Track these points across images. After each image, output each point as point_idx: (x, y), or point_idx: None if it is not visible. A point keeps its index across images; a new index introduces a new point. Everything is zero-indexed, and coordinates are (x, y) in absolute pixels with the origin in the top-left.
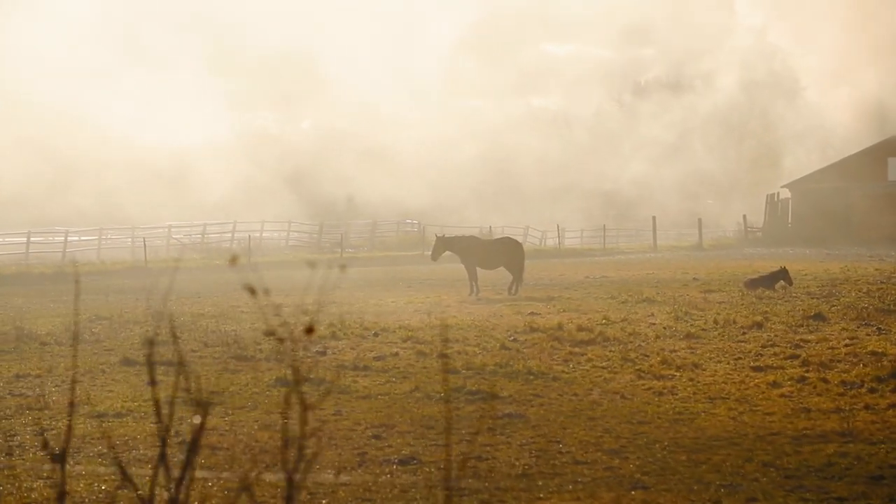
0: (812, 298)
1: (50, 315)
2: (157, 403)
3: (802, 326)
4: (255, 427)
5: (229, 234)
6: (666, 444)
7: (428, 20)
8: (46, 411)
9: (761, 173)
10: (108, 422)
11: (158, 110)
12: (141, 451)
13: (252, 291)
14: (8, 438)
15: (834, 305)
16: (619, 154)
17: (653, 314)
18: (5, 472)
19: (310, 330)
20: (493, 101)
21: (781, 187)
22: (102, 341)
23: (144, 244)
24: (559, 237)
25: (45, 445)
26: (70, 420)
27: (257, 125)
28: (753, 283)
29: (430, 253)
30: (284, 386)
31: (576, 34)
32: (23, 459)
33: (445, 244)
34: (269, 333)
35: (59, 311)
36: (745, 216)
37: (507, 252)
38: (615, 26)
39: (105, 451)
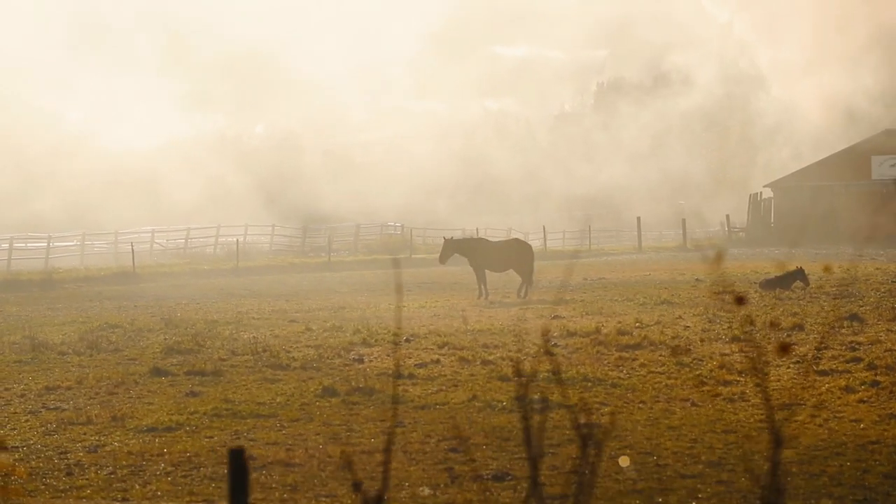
0: (834, 299)
1: (54, 323)
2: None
3: (844, 328)
4: (321, 440)
5: (212, 239)
6: (765, 454)
7: (390, 22)
8: (91, 426)
9: (734, 173)
10: (161, 437)
11: (119, 113)
12: (210, 469)
13: (740, 300)
14: (62, 456)
15: (862, 306)
16: (594, 155)
17: (681, 317)
18: None
19: (785, 348)
20: (461, 103)
21: (764, 186)
22: (122, 350)
23: (132, 249)
24: (545, 239)
25: (357, 488)
26: (386, 469)
27: (218, 127)
28: (769, 284)
29: (420, 255)
30: (333, 396)
31: (544, 35)
32: (87, 479)
33: (454, 246)
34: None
35: (61, 318)
36: (728, 216)
37: (517, 254)
38: (579, 27)
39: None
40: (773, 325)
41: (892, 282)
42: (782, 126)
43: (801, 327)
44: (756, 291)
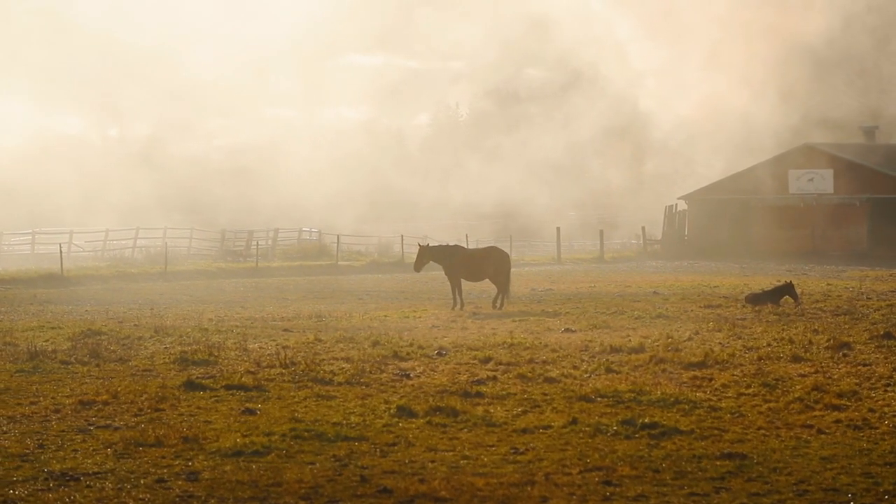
0: (836, 316)
1: (23, 329)
2: None
3: (893, 347)
4: (444, 469)
5: (130, 242)
6: None
7: (251, 30)
8: (164, 448)
9: (633, 184)
10: (256, 462)
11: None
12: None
13: None
14: (163, 486)
15: (876, 324)
16: (487, 164)
17: (698, 332)
18: None
19: None
20: (336, 111)
21: (678, 199)
22: (128, 360)
23: (60, 251)
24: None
25: None
26: None
27: (83, 129)
28: (757, 299)
29: (345, 261)
30: (411, 416)
31: (411, 44)
32: None
33: (429, 254)
34: None
35: (24, 324)
36: (643, 228)
37: (495, 263)
38: (453, 36)
39: None
40: (809, 343)
41: (868, 298)
42: (683, 136)
43: (849, 346)
44: (743, 306)
